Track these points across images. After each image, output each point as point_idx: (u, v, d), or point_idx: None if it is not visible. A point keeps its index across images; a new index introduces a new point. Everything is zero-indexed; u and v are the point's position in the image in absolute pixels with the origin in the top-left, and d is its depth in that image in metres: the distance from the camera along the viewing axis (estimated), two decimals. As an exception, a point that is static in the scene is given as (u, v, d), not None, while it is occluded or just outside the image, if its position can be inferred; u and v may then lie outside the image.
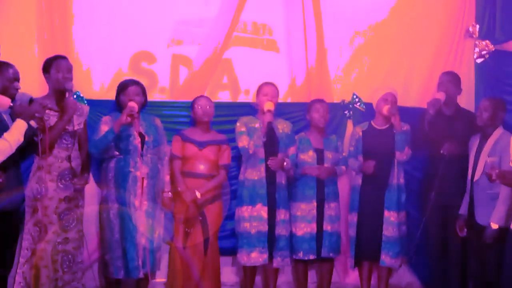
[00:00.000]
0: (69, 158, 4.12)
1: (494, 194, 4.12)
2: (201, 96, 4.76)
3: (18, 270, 4.02)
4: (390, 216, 4.65)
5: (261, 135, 4.54)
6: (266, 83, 4.73)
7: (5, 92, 3.72)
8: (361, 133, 4.78)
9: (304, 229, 4.67)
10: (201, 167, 4.59)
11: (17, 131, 3.63)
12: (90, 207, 4.45)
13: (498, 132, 4.31)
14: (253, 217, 4.58)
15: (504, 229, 4.01)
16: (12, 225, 3.86)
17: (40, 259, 4.00)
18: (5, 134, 3.60)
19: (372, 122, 4.84)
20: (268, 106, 4.54)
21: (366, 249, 4.69)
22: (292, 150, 4.74)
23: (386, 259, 4.65)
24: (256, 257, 4.57)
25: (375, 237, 4.65)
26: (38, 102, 3.77)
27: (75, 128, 4.17)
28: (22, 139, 3.64)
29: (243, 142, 4.60)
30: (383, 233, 4.64)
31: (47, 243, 4.00)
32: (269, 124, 4.55)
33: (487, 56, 5.25)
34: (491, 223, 4.08)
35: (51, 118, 4.03)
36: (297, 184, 4.75)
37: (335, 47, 5.18)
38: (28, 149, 3.90)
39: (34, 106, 3.73)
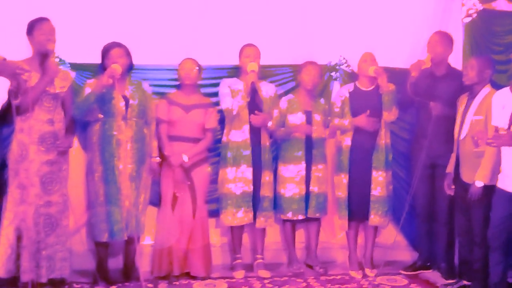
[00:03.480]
0: (51, 121, 4.09)
1: (479, 152, 4.13)
2: (186, 58, 4.68)
3: (1, 232, 4.01)
4: (379, 176, 4.69)
5: (245, 96, 4.54)
6: (247, 45, 4.70)
7: None
8: (348, 95, 4.76)
9: (293, 190, 4.69)
10: (188, 131, 4.56)
11: None
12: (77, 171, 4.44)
13: (485, 90, 4.27)
14: (238, 178, 4.60)
15: (489, 186, 4.03)
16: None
17: (22, 221, 3.99)
18: None
19: (357, 83, 4.81)
20: (252, 67, 4.53)
21: (356, 209, 4.74)
22: (276, 113, 4.73)
23: (375, 218, 4.71)
24: (241, 217, 4.62)
25: (364, 197, 4.70)
26: (12, 62, 3.71)
27: (57, 91, 4.12)
28: None
29: (226, 103, 4.59)
30: (371, 192, 4.68)
31: (29, 205, 3.98)
32: (253, 85, 4.54)
33: (474, 15, 5.19)
34: (476, 180, 4.09)
35: (32, 79, 3.97)
36: (286, 145, 4.75)
37: (323, 9, 5.10)
38: (8, 113, 3.87)
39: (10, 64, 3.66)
